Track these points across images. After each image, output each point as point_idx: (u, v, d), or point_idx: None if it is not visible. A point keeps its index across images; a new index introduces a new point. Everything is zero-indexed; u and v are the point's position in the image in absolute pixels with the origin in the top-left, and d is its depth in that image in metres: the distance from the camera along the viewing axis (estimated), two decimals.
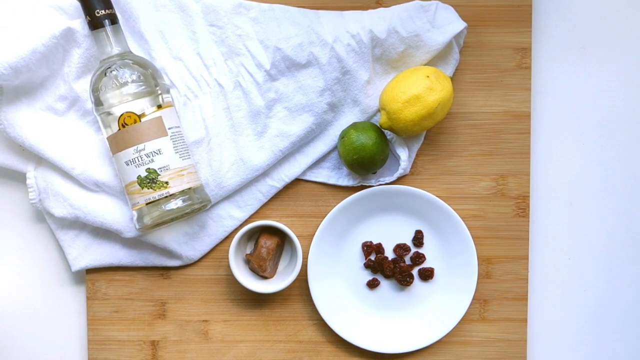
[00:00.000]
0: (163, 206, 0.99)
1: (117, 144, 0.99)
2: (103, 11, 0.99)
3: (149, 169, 0.99)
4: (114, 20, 1.00)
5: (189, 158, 1.02)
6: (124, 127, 0.98)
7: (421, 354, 1.09)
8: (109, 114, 0.99)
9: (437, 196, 1.07)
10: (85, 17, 1.00)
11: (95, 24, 0.99)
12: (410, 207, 1.08)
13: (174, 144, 1.00)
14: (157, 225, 1.01)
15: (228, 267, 1.10)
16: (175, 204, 0.99)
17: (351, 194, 1.07)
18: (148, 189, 0.99)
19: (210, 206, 1.06)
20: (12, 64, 0.99)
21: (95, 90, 0.99)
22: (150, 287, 1.10)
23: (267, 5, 1.05)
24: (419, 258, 1.08)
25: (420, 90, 1.00)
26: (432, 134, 1.09)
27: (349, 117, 1.08)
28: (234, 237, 1.06)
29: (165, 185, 0.99)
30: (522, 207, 1.09)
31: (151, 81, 1.00)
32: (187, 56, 1.05)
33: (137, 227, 1.01)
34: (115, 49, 1.00)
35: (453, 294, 1.08)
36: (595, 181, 1.11)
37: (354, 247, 1.09)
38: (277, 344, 1.10)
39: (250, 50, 1.05)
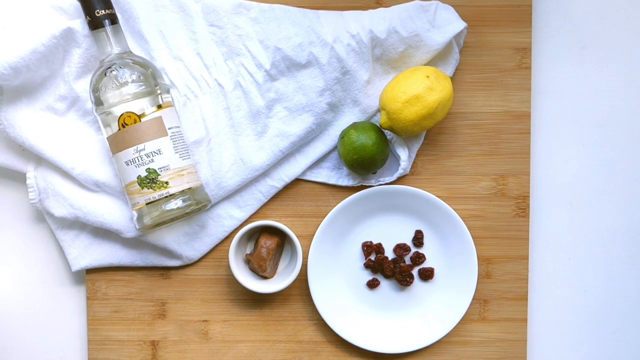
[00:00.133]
0: (163, 206, 0.99)
1: (117, 144, 0.99)
2: (103, 11, 0.99)
3: (149, 169, 0.99)
4: (114, 20, 1.00)
5: (189, 158, 1.02)
6: (124, 127, 0.98)
7: (421, 354, 1.09)
8: (109, 114, 0.99)
9: (437, 196, 1.07)
10: (85, 17, 1.00)
11: (95, 24, 0.99)
12: (410, 207, 1.08)
13: (174, 144, 1.00)
14: (157, 225, 1.01)
15: (228, 267, 1.10)
16: (175, 204, 0.99)
17: (351, 194, 1.07)
18: (148, 189, 0.99)
19: (210, 206, 1.06)
20: (12, 64, 0.99)
21: (95, 90, 0.99)
22: (150, 287, 1.10)
23: (267, 5, 1.05)
24: (419, 258, 1.08)
25: (420, 90, 1.00)
26: (432, 134, 1.09)
27: (349, 117, 1.08)
28: (234, 237, 1.06)
29: (165, 185, 0.99)
30: (522, 207, 1.09)
31: (151, 81, 1.00)
32: (187, 56, 1.05)
33: (137, 227, 1.01)
34: (115, 49, 1.00)
35: (453, 294, 1.08)
36: (595, 181, 1.11)
37: (354, 247, 1.09)
38: (277, 344, 1.10)
39: (250, 50, 1.05)
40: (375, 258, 1.09)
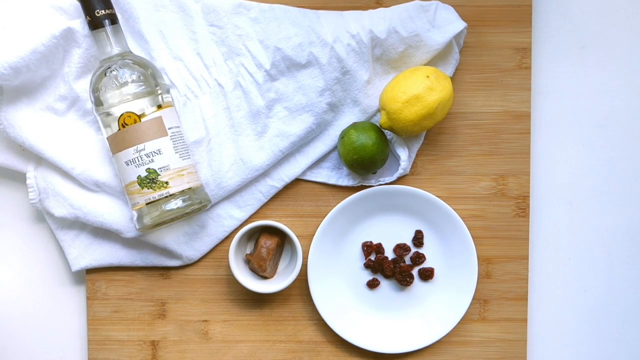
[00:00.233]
0: (163, 206, 0.99)
1: (117, 144, 0.99)
2: (103, 11, 0.99)
3: (149, 169, 0.99)
4: (114, 20, 1.00)
5: (189, 158, 1.02)
6: (124, 127, 0.98)
7: (421, 354, 1.09)
8: (108, 114, 0.99)
9: (437, 196, 1.07)
10: (85, 17, 1.00)
11: (95, 24, 0.99)
12: (410, 207, 1.08)
13: (174, 144, 1.00)
14: (157, 225, 1.01)
15: (228, 267, 1.10)
16: (175, 204, 0.99)
17: (351, 194, 1.07)
18: (148, 189, 0.99)
19: (210, 206, 1.06)
20: (12, 64, 0.99)
21: (95, 90, 0.99)
22: (150, 287, 1.10)
23: (267, 5, 1.05)
24: (419, 258, 1.08)
25: (420, 90, 1.00)
26: (432, 134, 1.09)
27: (349, 117, 1.08)
28: (234, 237, 1.06)
29: (165, 185, 0.99)
30: (522, 207, 1.09)
31: (151, 81, 1.00)
32: (187, 56, 1.05)
33: (137, 227, 1.01)
34: (115, 49, 1.00)
35: (453, 294, 1.08)
36: (595, 181, 1.11)
37: (354, 247, 1.09)
38: (277, 344, 1.10)
39: (250, 50, 1.05)
40: (375, 258, 1.09)
